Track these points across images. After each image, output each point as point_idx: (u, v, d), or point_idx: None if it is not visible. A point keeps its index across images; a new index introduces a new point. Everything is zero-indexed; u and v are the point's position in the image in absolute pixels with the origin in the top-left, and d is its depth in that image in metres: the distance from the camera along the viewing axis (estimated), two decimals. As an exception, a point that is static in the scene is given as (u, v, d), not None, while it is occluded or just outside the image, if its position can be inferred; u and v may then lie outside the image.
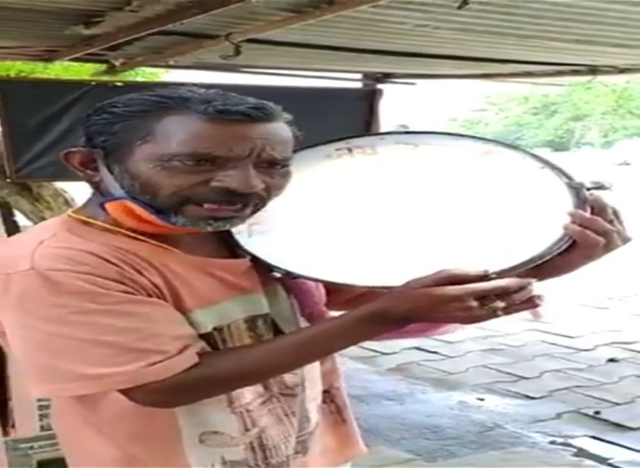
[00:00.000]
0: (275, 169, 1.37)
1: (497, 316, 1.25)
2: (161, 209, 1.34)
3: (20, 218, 5.79)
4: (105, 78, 5.85)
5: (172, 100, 1.33)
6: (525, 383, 5.60)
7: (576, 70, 6.03)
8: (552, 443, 4.50)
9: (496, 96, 36.43)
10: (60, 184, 6.25)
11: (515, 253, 1.33)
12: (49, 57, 5.52)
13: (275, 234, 1.49)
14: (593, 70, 5.96)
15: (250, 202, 1.36)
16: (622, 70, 5.97)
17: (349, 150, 1.64)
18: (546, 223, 1.38)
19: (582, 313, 7.85)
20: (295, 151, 1.46)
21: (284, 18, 4.01)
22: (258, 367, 1.37)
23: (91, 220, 1.40)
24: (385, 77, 6.47)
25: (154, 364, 1.29)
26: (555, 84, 7.96)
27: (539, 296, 1.27)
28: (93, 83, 5.59)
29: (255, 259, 1.46)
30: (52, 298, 1.28)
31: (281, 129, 1.37)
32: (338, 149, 1.64)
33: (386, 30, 4.39)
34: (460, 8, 3.55)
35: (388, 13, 3.92)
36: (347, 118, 5.90)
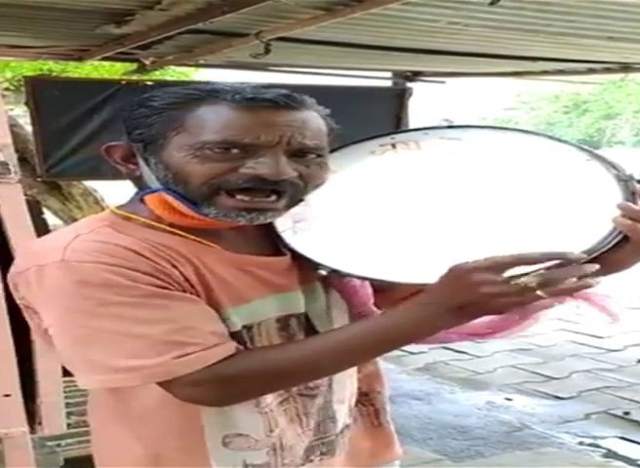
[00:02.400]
0: (309, 158, 1.36)
1: (533, 294, 1.19)
2: (194, 199, 1.34)
3: (49, 217, 5.82)
4: (135, 77, 5.88)
5: (204, 92, 1.35)
6: (554, 383, 5.56)
7: (608, 68, 5.98)
8: (581, 443, 4.47)
9: (526, 94, 36.07)
10: (89, 183, 6.29)
11: (563, 249, 1.26)
12: (79, 56, 5.56)
13: (320, 232, 1.48)
14: (626, 68, 5.91)
15: (283, 191, 1.34)
16: (656, 68, 5.92)
17: (393, 146, 1.62)
18: (595, 218, 1.33)
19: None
20: (338, 148, 1.45)
21: (314, 16, 4.02)
22: (304, 363, 1.33)
23: (132, 216, 1.40)
24: (415, 75, 6.45)
25: (187, 355, 1.27)
26: (587, 82, 7.90)
27: (586, 281, 1.20)
28: (123, 82, 5.63)
29: (299, 257, 1.44)
30: (80, 290, 1.28)
31: (311, 118, 1.37)
32: (382, 145, 1.63)
33: (417, 28, 4.39)
34: (492, 4, 3.53)
35: (419, 10, 3.92)
36: (377, 117, 5.88)
